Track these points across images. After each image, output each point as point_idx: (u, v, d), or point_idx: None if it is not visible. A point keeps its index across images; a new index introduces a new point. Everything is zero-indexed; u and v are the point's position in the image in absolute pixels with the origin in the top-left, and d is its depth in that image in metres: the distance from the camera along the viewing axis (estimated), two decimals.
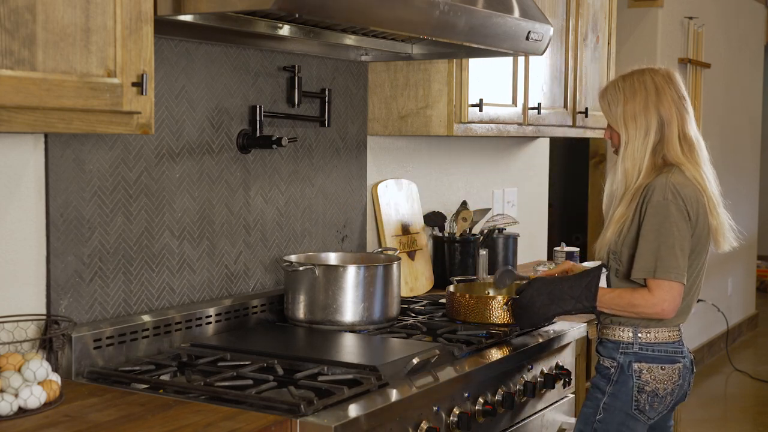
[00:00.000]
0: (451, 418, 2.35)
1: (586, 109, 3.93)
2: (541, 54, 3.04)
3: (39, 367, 2.02)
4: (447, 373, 2.38)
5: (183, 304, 2.62)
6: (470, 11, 2.59)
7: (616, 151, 2.66)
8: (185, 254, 2.63)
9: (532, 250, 4.49)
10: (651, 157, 2.60)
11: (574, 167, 6.74)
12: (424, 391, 2.24)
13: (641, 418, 2.61)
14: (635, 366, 2.60)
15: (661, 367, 2.60)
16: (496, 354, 2.60)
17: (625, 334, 2.62)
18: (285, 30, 2.64)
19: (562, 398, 2.97)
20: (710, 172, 2.64)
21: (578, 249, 3.88)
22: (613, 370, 2.63)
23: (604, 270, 2.67)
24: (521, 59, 3.48)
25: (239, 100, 2.78)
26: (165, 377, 2.29)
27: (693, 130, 2.64)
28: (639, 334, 2.60)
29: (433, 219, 3.63)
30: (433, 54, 3.09)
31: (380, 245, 3.37)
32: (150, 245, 2.52)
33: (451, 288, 3.04)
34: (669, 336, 2.61)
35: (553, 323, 2.96)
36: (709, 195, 2.59)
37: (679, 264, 2.51)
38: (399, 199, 3.47)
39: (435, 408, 2.29)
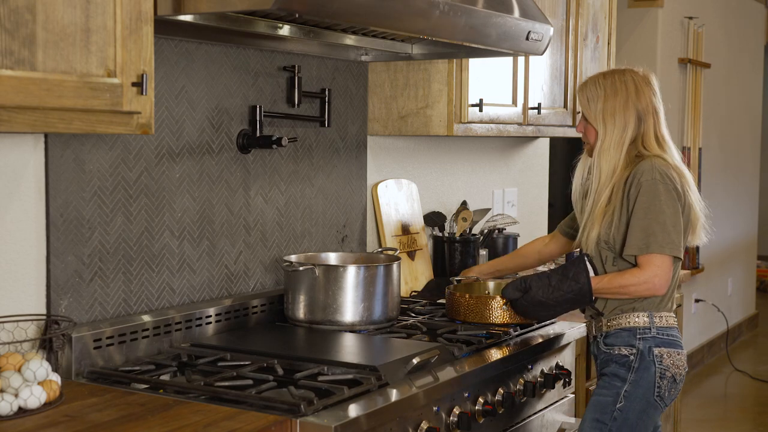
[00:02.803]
0: (451, 418, 2.35)
1: None
2: (541, 54, 3.04)
3: (39, 367, 2.01)
4: (447, 373, 2.38)
5: (183, 304, 2.62)
6: (470, 11, 2.59)
7: (590, 148, 2.71)
8: (185, 254, 2.63)
9: None
10: (627, 153, 2.65)
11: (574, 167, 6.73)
12: (424, 391, 2.23)
13: (660, 405, 2.61)
14: (656, 351, 2.59)
15: (677, 352, 2.61)
16: (496, 354, 2.60)
17: (641, 320, 2.61)
18: (285, 30, 2.64)
19: (562, 398, 2.97)
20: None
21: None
22: (632, 357, 2.60)
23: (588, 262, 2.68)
24: (521, 59, 3.48)
25: (239, 100, 2.78)
26: (165, 377, 2.29)
27: (665, 131, 2.71)
28: (654, 319, 2.60)
29: (433, 219, 3.62)
30: (433, 54, 3.09)
31: (380, 245, 3.37)
32: (150, 245, 2.52)
33: (451, 288, 3.04)
34: (674, 321, 2.64)
35: (553, 322, 2.97)
36: (689, 183, 2.65)
37: (672, 239, 2.54)
38: (399, 199, 3.47)
39: (435, 408, 2.29)
